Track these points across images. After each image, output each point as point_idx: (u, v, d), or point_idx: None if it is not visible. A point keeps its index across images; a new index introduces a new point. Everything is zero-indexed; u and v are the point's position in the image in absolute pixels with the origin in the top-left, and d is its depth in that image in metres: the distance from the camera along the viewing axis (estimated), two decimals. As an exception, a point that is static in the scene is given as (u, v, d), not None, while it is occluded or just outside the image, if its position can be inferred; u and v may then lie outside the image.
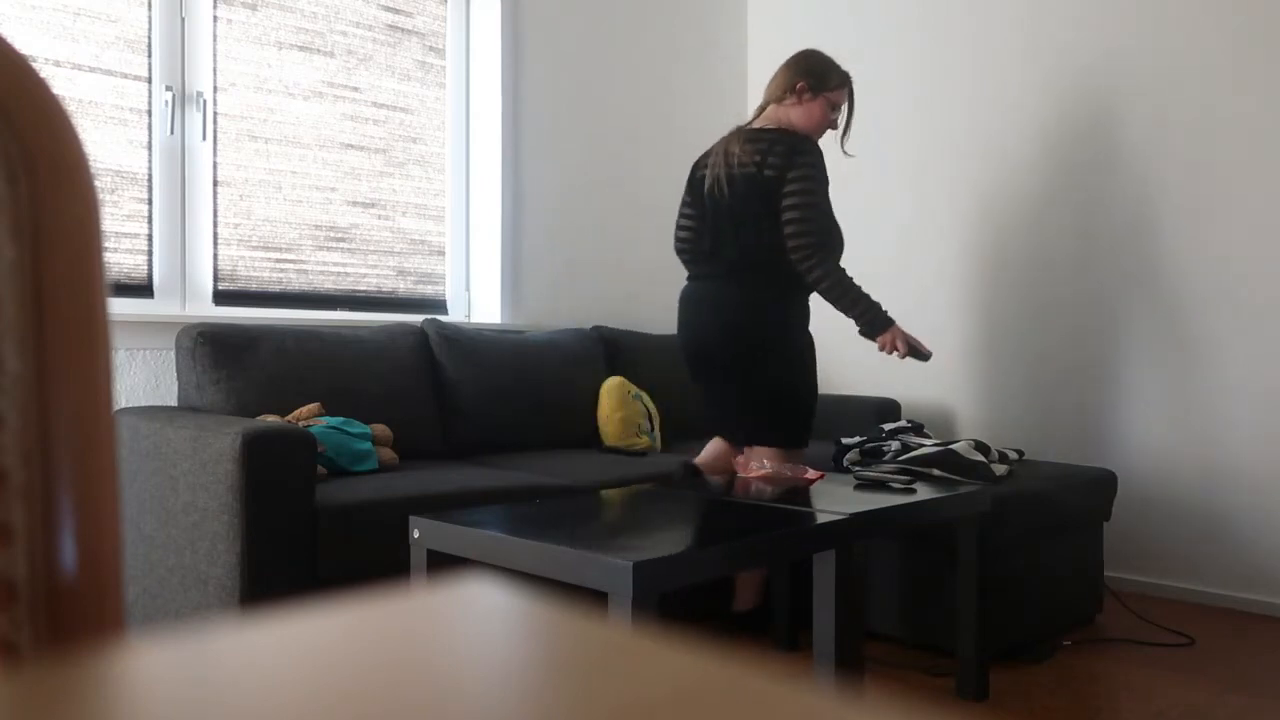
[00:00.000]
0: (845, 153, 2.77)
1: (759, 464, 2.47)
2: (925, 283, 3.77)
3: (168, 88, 2.83)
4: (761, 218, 2.43)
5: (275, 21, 3.06)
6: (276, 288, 3.07)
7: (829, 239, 2.42)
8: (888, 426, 2.97)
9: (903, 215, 3.83)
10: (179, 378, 2.58)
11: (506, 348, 3.15)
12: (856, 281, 2.42)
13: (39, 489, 0.45)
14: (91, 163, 0.79)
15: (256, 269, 3.03)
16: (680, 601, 2.72)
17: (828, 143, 3.43)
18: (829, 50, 4.06)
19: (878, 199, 3.91)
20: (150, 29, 2.81)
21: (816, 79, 2.58)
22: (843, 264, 3.00)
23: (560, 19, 3.70)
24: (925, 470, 2.59)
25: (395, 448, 2.69)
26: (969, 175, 3.65)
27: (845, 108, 2.66)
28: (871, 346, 3.90)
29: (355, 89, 3.24)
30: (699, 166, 2.63)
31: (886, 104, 3.88)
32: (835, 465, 2.82)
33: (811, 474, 2.39)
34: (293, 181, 3.10)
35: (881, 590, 2.62)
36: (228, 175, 2.96)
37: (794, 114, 2.57)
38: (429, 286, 3.45)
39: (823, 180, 2.44)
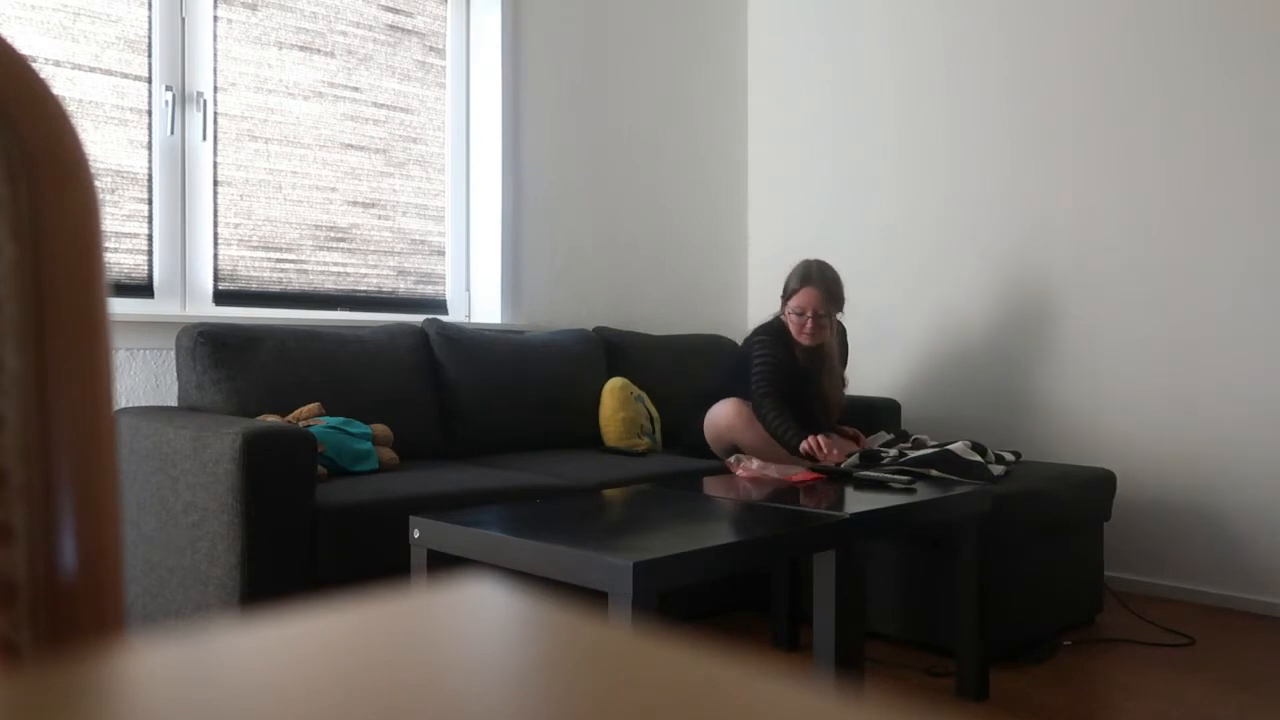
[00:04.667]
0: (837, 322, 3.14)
1: (749, 464, 2.47)
2: (923, 282, 3.77)
3: (168, 88, 2.83)
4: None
5: (275, 21, 3.06)
6: (277, 288, 3.07)
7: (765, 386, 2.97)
8: (878, 443, 2.96)
9: (899, 215, 3.83)
10: (179, 378, 2.58)
11: (506, 348, 3.15)
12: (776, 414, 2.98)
13: (39, 489, 0.45)
14: (91, 163, 0.79)
15: (257, 269, 3.03)
16: (680, 601, 2.72)
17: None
18: (829, 50, 4.06)
19: (876, 199, 3.90)
20: (150, 29, 2.81)
21: (784, 294, 3.03)
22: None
23: (560, 19, 3.70)
24: (923, 470, 2.59)
25: (395, 448, 2.69)
26: (965, 176, 3.65)
27: (812, 299, 2.96)
28: (872, 347, 3.90)
29: (355, 89, 3.24)
30: None
31: (884, 104, 3.88)
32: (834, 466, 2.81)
33: (797, 475, 2.39)
34: (293, 181, 3.10)
35: (881, 590, 2.62)
36: (228, 175, 2.96)
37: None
38: (429, 286, 3.45)
39: (760, 355, 2.98)
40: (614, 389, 3.25)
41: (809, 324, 2.95)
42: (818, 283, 2.96)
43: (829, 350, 3.07)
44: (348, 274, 3.23)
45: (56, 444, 0.46)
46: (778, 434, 2.82)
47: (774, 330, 3.02)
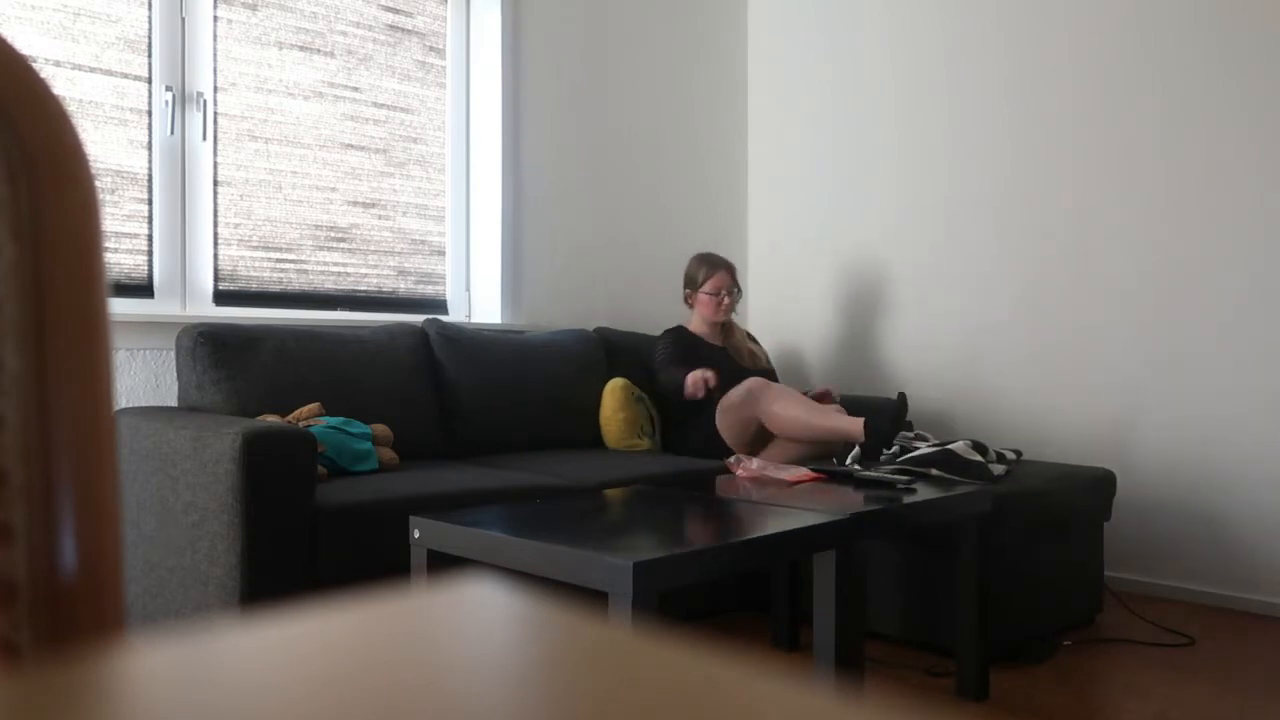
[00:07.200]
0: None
1: (749, 464, 2.47)
2: (923, 282, 3.77)
3: (168, 88, 2.83)
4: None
5: (275, 21, 3.06)
6: (277, 288, 3.07)
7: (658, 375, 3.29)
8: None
9: (898, 214, 3.83)
10: (179, 378, 2.58)
11: (506, 348, 3.15)
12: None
13: (39, 489, 0.45)
14: (91, 163, 0.79)
15: (257, 269, 3.03)
16: (680, 601, 2.72)
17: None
18: (829, 50, 4.06)
19: (876, 199, 3.91)
20: (150, 29, 2.81)
21: (690, 283, 3.42)
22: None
23: (560, 19, 3.70)
24: (923, 470, 2.59)
25: (395, 448, 2.69)
26: (965, 176, 3.65)
27: (724, 279, 3.36)
28: (872, 347, 3.90)
29: (355, 89, 3.24)
30: None
31: (884, 104, 3.88)
32: (837, 464, 2.81)
33: (792, 475, 2.38)
34: (293, 181, 3.10)
35: (881, 590, 2.62)
36: (228, 175, 2.96)
37: (696, 316, 3.42)
38: (429, 286, 3.45)
39: (664, 347, 3.31)
40: (615, 389, 3.25)
41: (725, 300, 3.36)
42: (724, 265, 3.39)
43: (731, 324, 3.48)
44: (348, 274, 3.23)
45: (56, 444, 0.46)
46: (670, 387, 3.14)
47: (678, 332, 3.36)
